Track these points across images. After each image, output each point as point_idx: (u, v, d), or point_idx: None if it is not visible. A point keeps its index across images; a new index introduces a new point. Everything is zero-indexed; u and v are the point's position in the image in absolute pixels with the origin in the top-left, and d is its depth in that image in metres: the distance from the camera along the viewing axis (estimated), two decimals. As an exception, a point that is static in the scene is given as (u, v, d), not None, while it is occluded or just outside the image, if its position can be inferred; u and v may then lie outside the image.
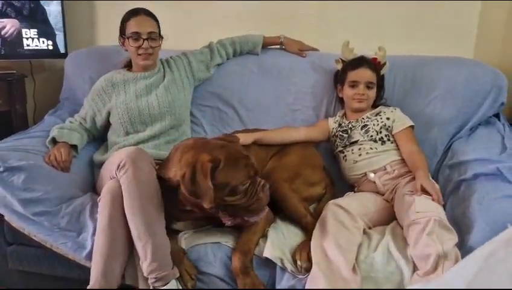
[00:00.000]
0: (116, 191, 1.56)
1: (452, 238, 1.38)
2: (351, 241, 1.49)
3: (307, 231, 1.61)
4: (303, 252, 1.52)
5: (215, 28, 2.43)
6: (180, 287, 1.53)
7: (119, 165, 1.56)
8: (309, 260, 1.48)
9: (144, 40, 1.92)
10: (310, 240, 1.54)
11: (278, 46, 2.27)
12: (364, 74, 1.90)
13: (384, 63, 1.97)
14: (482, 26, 2.22)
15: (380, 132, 1.85)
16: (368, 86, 1.90)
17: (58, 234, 1.68)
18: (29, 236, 1.76)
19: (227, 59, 2.23)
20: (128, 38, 1.94)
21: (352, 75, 1.92)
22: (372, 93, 1.92)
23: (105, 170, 1.75)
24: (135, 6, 2.00)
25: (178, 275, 1.53)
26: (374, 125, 1.87)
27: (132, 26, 1.93)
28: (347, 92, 1.94)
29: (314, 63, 2.17)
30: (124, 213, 1.54)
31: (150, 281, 1.51)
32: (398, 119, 1.87)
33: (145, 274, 1.51)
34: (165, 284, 1.50)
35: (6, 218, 1.77)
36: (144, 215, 1.51)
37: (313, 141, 2.01)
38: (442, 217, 1.44)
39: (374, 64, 1.94)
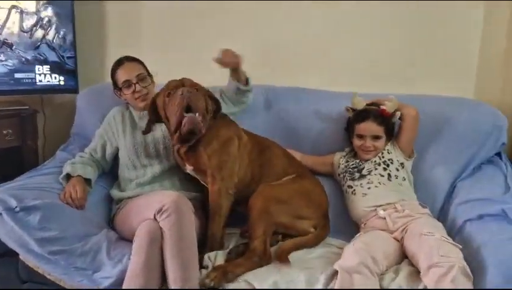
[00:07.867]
0: (155, 233, 1.61)
1: (471, 287, 1.41)
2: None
3: (246, 255, 1.69)
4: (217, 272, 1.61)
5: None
6: None
7: (160, 209, 1.61)
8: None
9: (134, 84, 2.00)
10: (237, 263, 1.65)
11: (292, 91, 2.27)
12: (370, 128, 1.94)
13: (394, 113, 1.97)
14: (482, 65, 2.30)
15: (387, 167, 1.91)
16: (374, 138, 1.95)
17: (74, 273, 1.69)
18: (43, 274, 1.78)
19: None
20: (121, 88, 2.02)
21: (358, 129, 1.97)
22: (380, 143, 1.96)
23: (136, 208, 1.79)
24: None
25: None
26: (379, 159, 1.94)
27: (121, 76, 2.03)
28: (355, 142, 2.00)
29: (320, 110, 2.17)
30: (161, 254, 1.60)
31: None
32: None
33: None
34: None
35: (21, 257, 1.79)
36: (182, 260, 1.58)
37: (311, 168, 2.06)
38: (464, 264, 1.45)
39: (382, 116, 1.96)
